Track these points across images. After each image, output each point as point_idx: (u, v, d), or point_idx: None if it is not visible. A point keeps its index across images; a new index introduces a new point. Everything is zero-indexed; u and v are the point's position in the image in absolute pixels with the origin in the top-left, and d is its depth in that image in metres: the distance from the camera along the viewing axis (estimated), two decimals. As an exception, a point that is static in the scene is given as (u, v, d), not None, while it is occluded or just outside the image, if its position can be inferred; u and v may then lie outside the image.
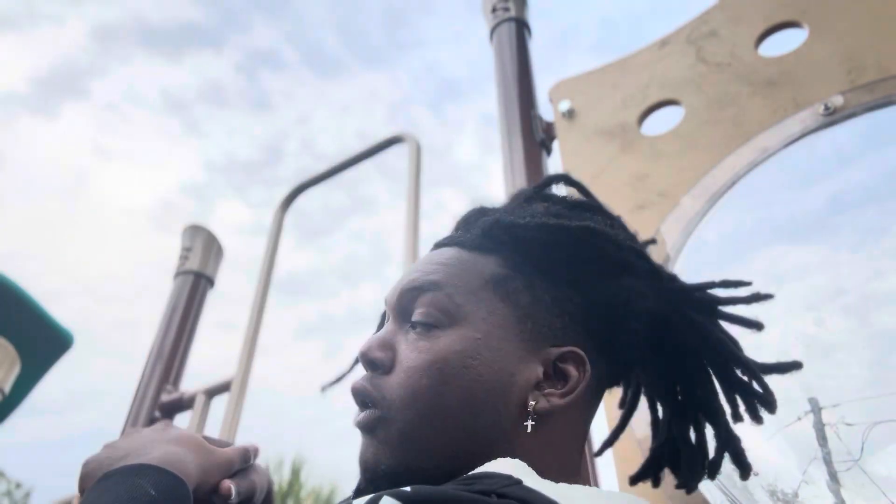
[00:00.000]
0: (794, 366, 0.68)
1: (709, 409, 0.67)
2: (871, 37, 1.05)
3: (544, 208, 0.66)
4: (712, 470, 0.68)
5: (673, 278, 0.69)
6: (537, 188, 0.71)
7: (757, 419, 0.67)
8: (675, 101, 1.22)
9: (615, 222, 0.68)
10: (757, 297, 0.69)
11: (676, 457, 0.70)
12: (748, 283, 0.70)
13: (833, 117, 1.00)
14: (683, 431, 0.69)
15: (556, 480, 0.50)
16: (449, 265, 0.59)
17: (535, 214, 0.63)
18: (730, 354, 0.67)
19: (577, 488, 0.45)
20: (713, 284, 0.70)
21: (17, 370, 1.31)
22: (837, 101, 1.01)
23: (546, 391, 0.55)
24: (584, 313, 0.60)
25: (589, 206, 0.69)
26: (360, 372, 0.60)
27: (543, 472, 0.49)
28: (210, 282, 1.84)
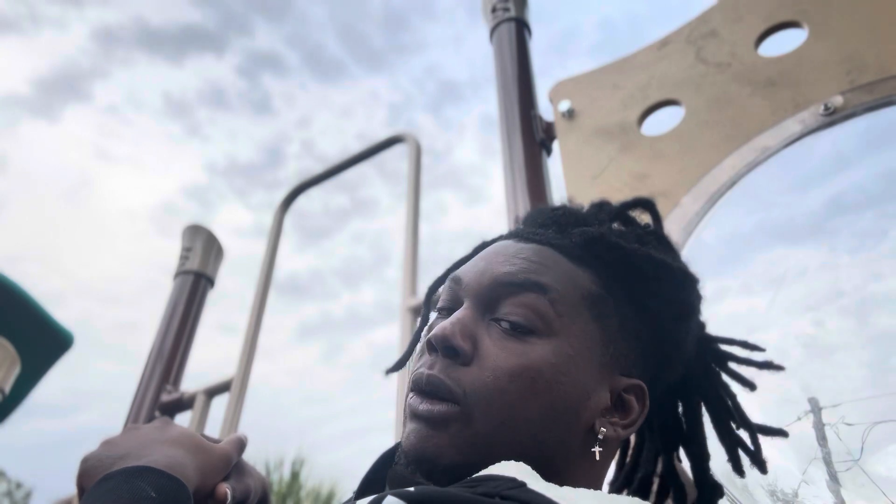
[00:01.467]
0: (781, 432, 0.70)
1: (698, 452, 0.68)
2: (871, 37, 1.05)
3: (638, 235, 0.64)
4: None
5: (703, 324, 0.69)
6: (623, 207, 0.68)
7: (740, 472, 0.68)
8: (675, 101, 1.22)
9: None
10: (769, 365, 0.70)
11: (662, 489, 0.71)
12: (763, 350, 0.71)
13: (833, 117, 1.00)
14: (671, 466, 0.70)
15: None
16: (550, 268, 0.56)
17: (638, 240, 0.62)
18: (733, 408, 0.68)
19: (581, 492, 0.45)
20: (734, 341, 0.71)
21: (17, 370, 1.31)
22: (837, 101, 1.01)
23: (610, 419, 0.55)
24: (650, 345, 0.59)
25: (670, 243, 0.68)
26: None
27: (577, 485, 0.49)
28: (210, 282, 1.84)
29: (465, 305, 0.56)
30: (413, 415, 0.53)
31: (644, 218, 0.69)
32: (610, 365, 0.56)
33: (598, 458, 0.53)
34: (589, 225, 0.62)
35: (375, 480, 0.59)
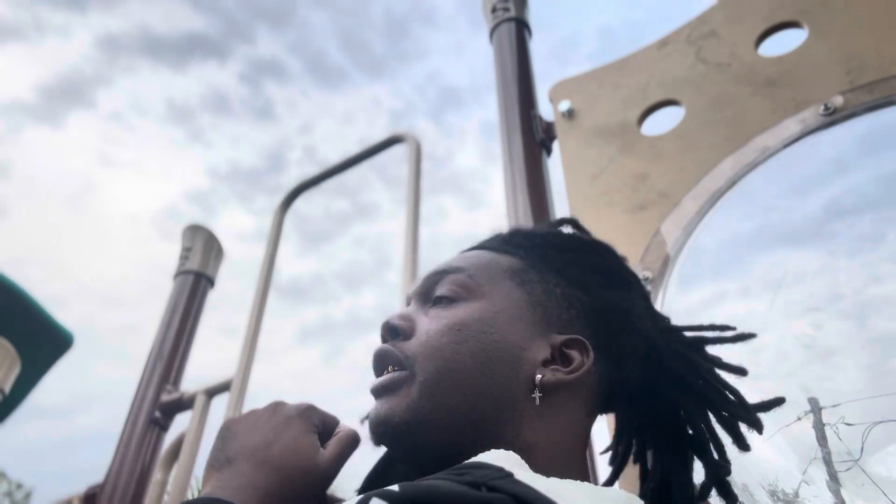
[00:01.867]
0: (778, 402, 0.70)
1: (698, 445, 0.69)
2: (871, 37, 1.05)
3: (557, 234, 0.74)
4: (704, 493, 0.69)
5: (666, 318, 0.75)
6: (551, 225, 0.81)
7: (744, 447, 0.68)
8: (675, 101, 1.22)
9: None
10: (741, 337, 0.74)
11: (668, 491, 0.71)
12: (733, 328, 0.75)
13: (833, 117, 1.00)
14: (675, 467, 0.70)
15: (556, 466, 0.52)
16: (471, 258, 0.66)
17: (550, 227, 0.73)
18: (719, 385, 0.70)
19: (570, 483, 0.45)
20: (701, 327, 0.75)
21: (17, 370, 1.31)
22: (837, 101, 1.01)
23: (552, 368, 0.59)
24: (590, 312, 0.65)
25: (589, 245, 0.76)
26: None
27: (545, 454, 0.54)
28: (210, 282, 1.84)
29: (410, 305, 0.66)
30: (373, 395, 0.60)
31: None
32: (542, 324, 0.61)
33: (538, 402, 0.57)
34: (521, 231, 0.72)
35: (377, 481, 0.60)
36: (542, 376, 0.58)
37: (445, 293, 0.62)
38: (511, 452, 0.47)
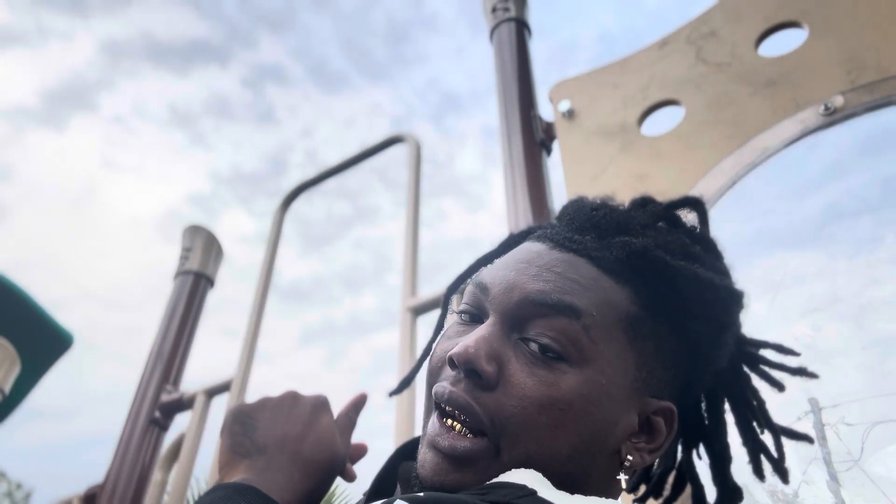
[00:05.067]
0: (806, 437, 0.68)
1: (720, 451, 0.65)
2: (871, 37, 1.05)
3: (684, 246, 0.58)
4: None
5: (739, 326, 0.65)
6: (670, 207, 0.63)
7: (760, 476, 0.66)
8: (675, 101, 1.22)
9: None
10: (803, 372, 0.68)
11: (676, 486, 0.70)
12: (798, 354, 0.68)
13: (833, 117, 1.00)
14: (691, 465, 0.68)
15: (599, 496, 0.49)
16: (586, 287, 0.52)
17: (683, 252, 0.56)
18: (759, 410, 0.65)
19: (593, 500, 0.44)
20: (769, 345, 0.68)
21: (17, 370, 1.31)
22: (837, 101, 1.01)
23: (637, 444, 0.52)
24: (687, 369, 0.56)
25: (717, 250, 0.63)
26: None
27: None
28: (210, 282, 1.84)
29: (490, 321, 0.52)
30: (433, 445, 0.50)
31: (690, 217, 0.64)
32: (641, 389, 0.52)
33: (623, 485, 0.51)
34: (631, 231, 0.57)
35: (387, 480, 0.59)
36: (632, 458, 0.51)
37: (552, 345, 0.49)
38: (533, 471, 0.44)
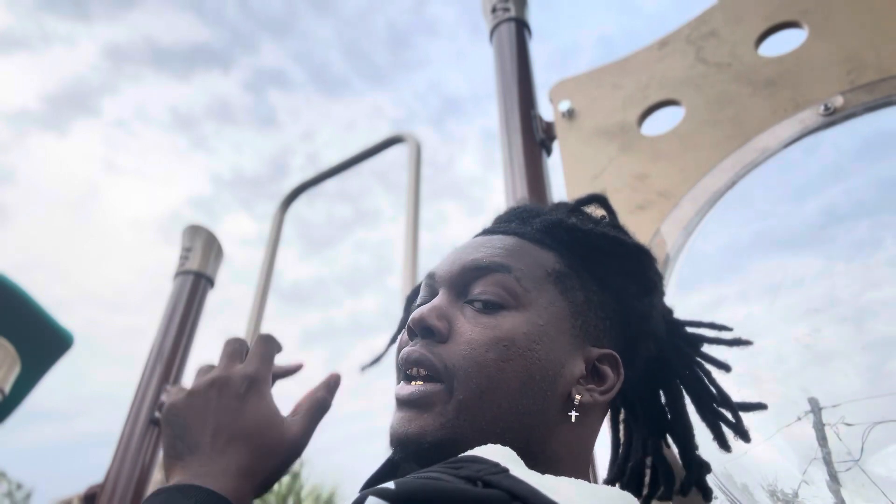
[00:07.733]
0: (760, 406, 0.73)
1: (683, 434, 0.71)
2: (871, 37, 1.05)
3: (594, 221, 0.70)
4: (684, 489, 0.72)
5: (670, 310, 0.75)
6: (579, 202, 0.74)
7: (725, 447, 0.71)
8: (675, 101, 1.22)
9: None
10: (738, 342, 0.74)
11: (653, 474, 0.74)
12: (730, 329, 0.76)
13: (833, 117, 1.00)
14: (659, 451, 0.73)
15: (572, 472, 0.53)
16: (513, 251, 0.61)
17: (595, 224, 0.67)
18: (710, 385, 0.72)
19: (564, 479, 0.45)
20: (702, 324, 0.76)
21: (17, 370, 1.31)
22: (837, 101, 1.01)
23: (588, 386, 0.58)
24: (621, 322, 0.64)
25: (624, 229, 0.73)
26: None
27: (566, 465, 0.54)
28: (210, 282, 1.84)
29: (439, 293, 0.60)
30: (398, 402, 0.56)
31: (599, 212, 0.75)
32: (580, 336, 0.59)
33: (573, 420, 0.56)
34: (547, 215, 0.67)
35: (383, 481, 0.59)
36: (581, 396, 0.56)
37: (491, 297, 0.57)
38: (507, 448, 0.46)
